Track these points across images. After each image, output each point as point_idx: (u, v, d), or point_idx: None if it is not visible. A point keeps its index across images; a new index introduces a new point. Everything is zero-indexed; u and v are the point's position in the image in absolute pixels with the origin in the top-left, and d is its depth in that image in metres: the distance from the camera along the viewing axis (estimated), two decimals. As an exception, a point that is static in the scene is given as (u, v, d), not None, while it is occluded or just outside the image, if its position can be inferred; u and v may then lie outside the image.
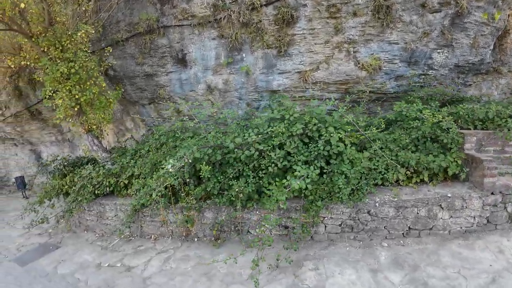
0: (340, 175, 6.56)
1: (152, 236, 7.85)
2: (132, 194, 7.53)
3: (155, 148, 7.86)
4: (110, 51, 9.17)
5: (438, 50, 9.39)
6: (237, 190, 6.38)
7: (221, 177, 6.71)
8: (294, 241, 6.74)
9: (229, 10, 9.24)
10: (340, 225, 6.96)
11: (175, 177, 6.54)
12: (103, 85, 8.88)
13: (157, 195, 6.60)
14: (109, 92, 9.23)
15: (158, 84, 10.37)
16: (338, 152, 6.67)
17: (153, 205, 6.96)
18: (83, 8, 8.72)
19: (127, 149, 9.02)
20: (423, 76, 9.69)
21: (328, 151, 6.65)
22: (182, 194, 6.90)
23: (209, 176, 6.53)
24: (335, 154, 6.74)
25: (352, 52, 9.24)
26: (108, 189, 8.22)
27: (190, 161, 6.19)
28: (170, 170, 6.08)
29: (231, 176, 6.63)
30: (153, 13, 9.56)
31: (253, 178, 6.63)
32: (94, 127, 8.92)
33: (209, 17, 9.39)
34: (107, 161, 8.89)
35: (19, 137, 15.07)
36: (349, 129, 7.12)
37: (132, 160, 8.25)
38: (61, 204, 10.04)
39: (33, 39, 8.08)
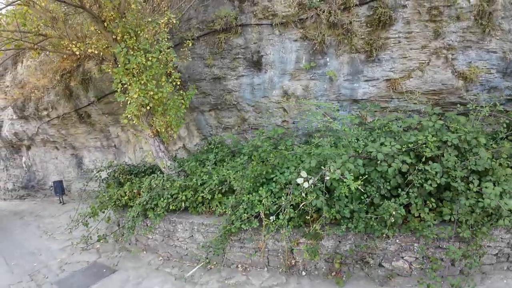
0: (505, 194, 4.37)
1: (239, 265, 5.47)
2: (224, 212, 5.21)
3: (259, 157, 5.46)
4: (190, 45, 6.94)
5: (531, 62, 7.40)
6: (393, 212, 4.10)
7: (363, 196, 4.44)
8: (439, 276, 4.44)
9: (318, 9, 7.14)
10: (496, 254, 4.73)
11: (314, 195, 4.22)
12: (178, 83, 6.63)
13: (283, 218, 4.28)
14: (181, 91, 6.96)
15: (226, 89, 8.14)
16: (490, 167, 4.50)
17: (273, 229, 4.55)
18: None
19: (206, 157, 6.63)
20: (514, 89, 7.66)
21: (479, 165, 4.48)
22: (308, 217, 4.53)
23: (345, 194, 4.25)
24: (486, 169, 4.58)
25: (450, 59, 7.16)
26: (183, 204, 5.86)
27: (339, 174, 3.93)
28: (305, 185, 3.82)
29: (376, 195, 4.37)
30: (230, 10, 7.44)
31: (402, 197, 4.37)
32: (163, 130, 6.60)
33: (292, 16, 7.31)
34: (176, 171, 6.52)
35: (62, 140, 12.61)
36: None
37: (217, 171, 5.90)
38: (115, 218, 7.61)
39: (105, 25, 5.86)
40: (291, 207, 4.43)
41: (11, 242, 9.84)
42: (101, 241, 6.50)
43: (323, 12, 7.12)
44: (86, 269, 6.81)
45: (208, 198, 5.66)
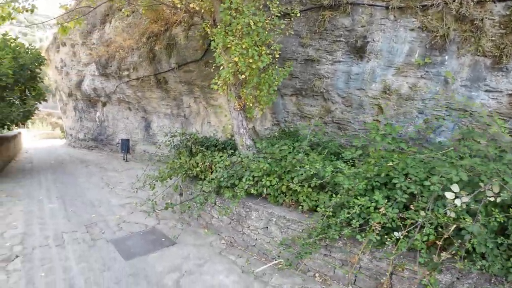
0: None
1: (317, 274, 4.32)
2: (311, 209, 4.06)
3: (378, 156, 4.16)
4: (298, 15, 5.79)
5: None
6: None
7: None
8: None
9: (449, -4, 5.62)
10: None
11: (469, 218, 2.94)
12: (276, 56, 5.54)
13: (420, 239, 3.05)
14: (277, 66, 5.86)
15: (317, 74, 6.92)
16: None
17: (403, 248, 3.31)
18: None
19: (283, 143, 5.40)
20: None
21: None
22: (440, 243, 3.22)
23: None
24: None
25: None
26: (265, 190, 4.81)
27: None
28: (456, 202, 2.58)
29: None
30: (342, -14, 6.15)
31: None
32: (251, 105, 5.57)
33: (413, 1, 5.85)
34: (264, 151, 5.38)
35: (136, 102, 12.20)
36: None
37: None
38: (180, 188, 6.81)
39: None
40: (431, 226, 3.17)
41: (74, 188, 9.55)
42: (168, 209, 5.67)
43: (454, 1, 5.60)
44: (144, 233, 6.08)
45: (295, 190, 4.55)
